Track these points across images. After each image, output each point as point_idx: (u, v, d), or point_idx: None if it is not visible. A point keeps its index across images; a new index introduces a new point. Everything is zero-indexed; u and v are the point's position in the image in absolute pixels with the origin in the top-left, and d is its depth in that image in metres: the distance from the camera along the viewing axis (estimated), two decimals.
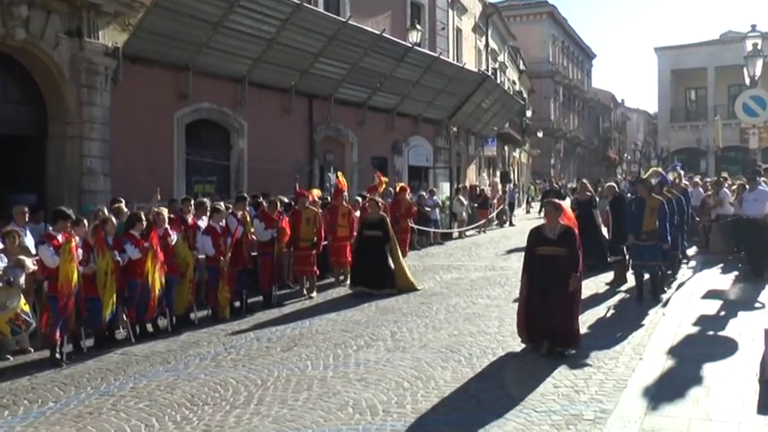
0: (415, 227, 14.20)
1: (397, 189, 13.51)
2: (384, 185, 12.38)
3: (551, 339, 5.86)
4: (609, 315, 7.75)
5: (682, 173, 12.26)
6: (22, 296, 6.02)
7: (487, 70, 24.21)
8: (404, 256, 11.68)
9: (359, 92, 15.51)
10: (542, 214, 7.02)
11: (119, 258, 6.70)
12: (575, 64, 49.69)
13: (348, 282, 9.81)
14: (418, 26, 18.00)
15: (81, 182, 9.45)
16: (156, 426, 4.54)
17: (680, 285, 9.25)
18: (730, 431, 4.16)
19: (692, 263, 11.33)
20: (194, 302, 7.73)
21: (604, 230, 10.43)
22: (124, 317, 7.03)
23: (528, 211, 27.48)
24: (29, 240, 6.66)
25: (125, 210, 7.69)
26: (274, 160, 12.70)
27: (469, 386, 5.20)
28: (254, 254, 8.63)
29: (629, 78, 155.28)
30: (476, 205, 19.06)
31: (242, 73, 12.24)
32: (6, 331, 5.94)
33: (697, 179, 15.41)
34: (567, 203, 11.67)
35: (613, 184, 11.95)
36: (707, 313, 7.40)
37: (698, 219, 12.42)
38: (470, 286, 9.87)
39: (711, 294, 8.49)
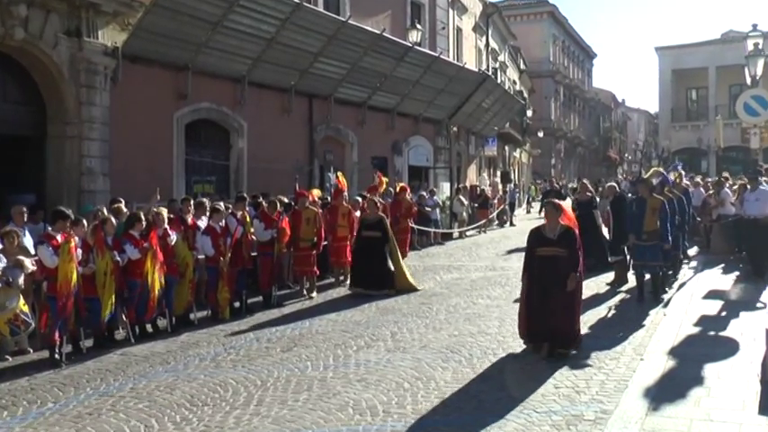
0: (416, 227, 14.18)
1: (398, 189, 13.49)
2: (384, 185, 12.36)
3: (552, 340, 5.84)
4: (610, 315, 7.73)
5: (683, 173, 12.24)
6: (21, 296, 6.00)
7: (488, 70, 24.20)
8: (404, 256, 11.68)
9: (359, 92, 15.50)
10: (542, 214, 7.00)
11: (118, 258, 6.69)
12: (575, 64, 49.67)
13: (348, 282, 9.79)
14: (418, 26, 17.99)
15: (80, 182, 9.44)
16: (155, 426, 4.53)
17: (681, 285, 9.23)
18: None
19: (694, 263, 11.30)
20: (194, 303, 7.72)
21: (605, 231, 10.41)
22: (123, 317, 7.02)
23: (528, 211, 27.46)
24: (28, 241, 6.65)
25: (124, 210, 7.67)
26: (274, 160, 12.69)
27: (470, 387, 5.19)
28: (253, 254, 8.61)
29: (629, 78, 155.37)
30: (476, 205, 19.05)
31: (242, 73, 12.23)
32: (5, 332, 5.93)
33: (698, 179, 15.40)
34: (567, 203, 11.66)
35: (614, 184, 11.93)
36: (708, 313, 7.38)
37: (699, 219, 12.40)
38: (471, 286, 9.85)
39: (712, 295, 8.47)
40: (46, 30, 8.96)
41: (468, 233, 18.04)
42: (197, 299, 7.83)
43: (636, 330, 6.78)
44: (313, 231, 9.28)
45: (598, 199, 11.44)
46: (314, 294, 9.23)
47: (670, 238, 8.28)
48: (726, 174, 15.03)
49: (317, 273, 9.56)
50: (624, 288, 9.15)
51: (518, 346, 6.22)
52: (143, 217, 7.07)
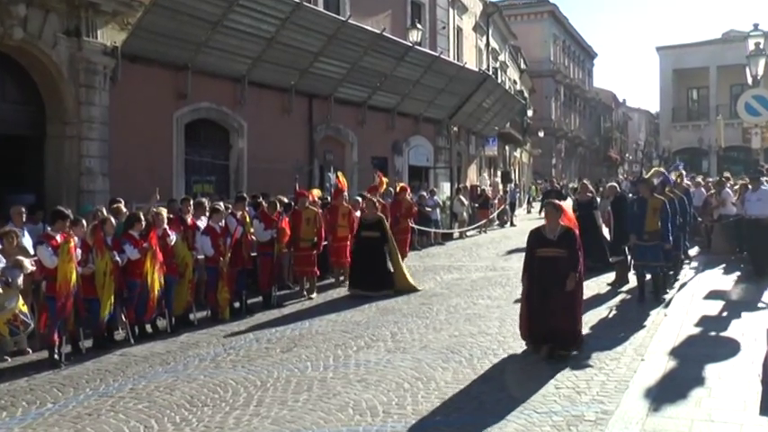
0: (416, 227, 14.16)
1: (398, 189, 13.46)
2: (385, 185, 12.34)
3: (552, 340, 5.81)
4: (610, 316, 7.72)
5: (683, 173, 12.21)
6: (20, 297, 5.99)
7: (488, 70, 24.18)
8: (404, 256, 11.65)
9: (359, 91, 15.48)
10: (543, 215, 6.98)
11: (118, 259, 6.67)
12: (576, 63, 49.64)
13: (347, 283, 9.77)
14: (419, 25, 17.97)
15: (80, 182, 9.42)
16: (155, 427, 4.52)
17: (682, 286, 9.21)
18: None
19: (695, 263, 11.28)
20: (193, 303, 7.70)
21: (605, 231, 10.39)
22: (123, 317, 7.01)
23: (529, 212, 27.43)
24: (27, 241, 6.63)
25: (124, 210, 7.66)
26: (274, 160, 12.67)
27: (470, 387, 5.17)
28: (253, 254, 8.59)
29: (630, 78, 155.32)
30: (476, 205, 19.03)
31: (241, 72, 12.22)
32: (4, 332, 5.91)
33: (699, 179, 15.37)
34: (568, 204, 11.63)
35: (615, 184, 11.90)
36: (709, 314, 7.36)
37: (700, 219, 12.37)
38: (471, 287, 9.83)
39: (714, 295, 8.45)
40: (45, 29, 8.95)
41: (468, 233, 18.02)
42: (197, 299, 7.82)
43: (637, 331, 6.77)
44: (313, 231, 9.26)
45: (598, 199, 11.41)
46: (314, 295, 9.21)
47: (671, 238, 8.26)
48: (727, 174, 15.00)
49: (318, 273, 9.54)
50: (625, 288, 9.14)
51: (519, 346, 6.20)
52: (142, 217, 7.06)
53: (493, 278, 10.56)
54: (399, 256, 9.90)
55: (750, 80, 13.31)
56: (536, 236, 6.04)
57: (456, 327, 7.19)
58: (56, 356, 6.04)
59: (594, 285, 9.18)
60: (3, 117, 8.98)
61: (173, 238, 7.33)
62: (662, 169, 11.29)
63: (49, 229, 6.53)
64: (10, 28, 8.44)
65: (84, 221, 6.64)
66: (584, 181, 12.94)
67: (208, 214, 8.09)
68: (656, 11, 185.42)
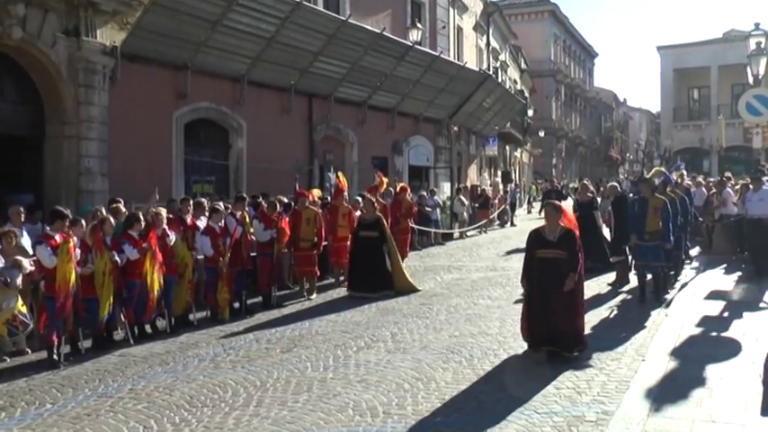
0: (416, 227, 14.14)
1: (398, 189, 13.44)
2: (385, 185, 12.31)
3: (553, 342, 5.77)
4: (611, 316, 7.70)
5: (684, 173, 12.19)
6: (19, 297, 5.98)
7: (488, 69, 24.17)
8: (404, 256, 11.63)
9: (359, 91, 15.46)
10: (542, 215, 6.95)
11: (117, 259, 6.65)
12: (576, 63, 49.62)
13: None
14: (419, 25, 17.95)
15: (79, 182, 9.41)
16: (154, 428, 4.51)
17: (683, 286, 9.19)
18: None
19: (695, 263, 11.26)
20: (193, 303, 7.69)
21: (606, 231, 10.37)
22: (122, 318, 7.00)
23: (529, 212, 27.41)
24: (26, 241, 6.63)
25: (123, 210, 7.65)
26: (274, 160, 12.66)
27: (470, 388, 5.16)
28: (253, 254, 8.57)
29: (631, 77, 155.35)
30: (477, 205, 19.01)
31: (241, 72, 12.20)
32: (3, 332, 5.91)
33: (700, 179, 15.35)
34: (568, 204, 11.58)
35: (615, 183, 11.87)
36: (710, 314, 7.34)
37: (701, 219, 12.35)
38: (471, 287, 9.81)
39: (714, 295, 8.43)
40: (44, 29, 8.93)
41: (468, 233, 18.00)
42: (196, 299, 7.80)
43: (637, 331, 6.75)
44: (313, 231, 9.24)
45: (599, 199, 11.38)
46: (313, 296, 9.19)
47: (672, 238, 8.24)
48: (728, 173, 14.98)
49: (318, 273, 9.52)
50: (625, 288, 9.12)
51: (519, 346, 6.18)
52: (142, 217, 7.05)
53: (493, 278, 10.54)
54: (399, 256, 9.87)
55: (751, 80, 13.28)
56: (536, 237, 6.00)
57: (456, 327, 7.17)
58: (55, 357, 6.02)
59: (595, 285, 9.16)
60: (2, 117, 8.96)
61: (172, 238, 7.31)
62: (663, 169, 11.26)
63: (48, 228, 6.52)
64: (9, 27, 8.43)
65: (83, 221, 6.63)
66: (585, 181, 12.92)
67: (207, 214, 8.07)
68: (657, 10, 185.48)
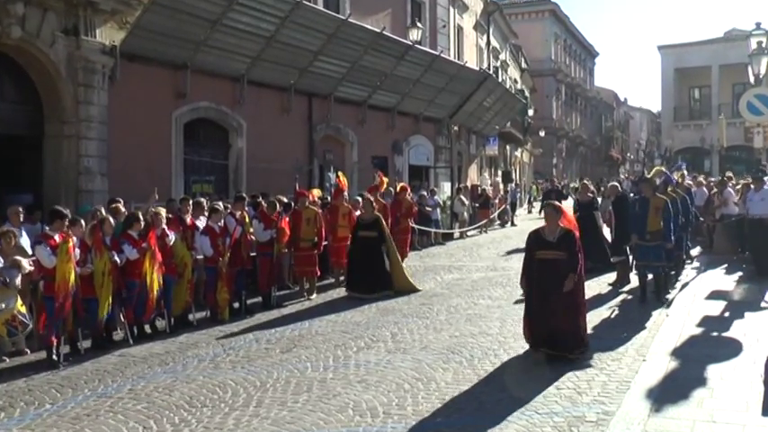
0: (416, 227, 14.12)
1: (398, 189, 13.42)
2: (385, 185, 12.30)
3: (553, 343, 5.73)
4: (612, 316, 7.68)
5: (685, 173, 12.18)
6: (18, 297, 5.97)
7: (489, 69, 24.14)
8: (405, 256, 11.61)
9: (359, 90, 15.45)
10: (542, 215, 6.93)
11: (116, 259, 6.64)
12: (577, 62, 49.58)
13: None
14: (419, 24, 17.93)
15: (78, 181, 9.39)
16: (153, 428, 4.50)
17: (684, 286, 9.18)
18: None
19: (696, 263, 11.26)
20: (192, 303, 7.67)
21: (606, 231, 10.35)
22: (122, 318, 6.99)
23: (529, 211, 27.39)
24: (25, 241, 6.62)
25: (123, 210, 7.64)
26: (273, 160, 12.64)
27: (471, 388, 5.15)
28: (252, 254, 8.56)
29: (631, 77, 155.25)
30: (477, 205, 18.99)
31: (241, 71, 12.18)
32: (3, 333, 5.90)
33: (701, 178, 15.33)
34: (568, 204, 11.54)
35: (616, 183, 11.86)
36: (711, 314, 7.33)
37: (702, 219, 12.33)
38: (472, 287, 9.80)
39: (715, 295, 8.42)
40: (43, 28, 8.91)
41: (468, 233, 17.99)
42: (196, 299, 7.79)
43: (638, 331, 6.73)
44: (313, 231, 9.22)
45: (599, 199, 11.36)
46: (313, 296, 9.17)
47: (673, 238, 8.22)
48: (729, 173, 14.96)
49: (319, 273, 9.50)
50: (626, 288, 9.11)
51: (519, 347, 6.17)
52: (141, 217, 7.03)
53: (494, 278, 10.52)
54: (398, 255, 9.84)
55: (752, 79, 13.25)
56: (535, 238, 5.97)
57: (456, 327, 7.16)
58: (54, 357, 6.01)
59: (596, 285, 9.14)
60: (1, 116, 8.94)
61: (172, 237, 7.30)
62: (663, 169, 11.25)
63: (47, 228, 6.51)
64: (8, 27, 8.41)
65: (82, 221, 6.62)
66: (585, 181, 12.90)
67: (207, 214, 8.05)
68: (658, 10, 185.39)
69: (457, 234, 17.45)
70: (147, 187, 8.21)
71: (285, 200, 9.77)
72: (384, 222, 9.68)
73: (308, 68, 13.39)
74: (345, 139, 15.71)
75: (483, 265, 12.08)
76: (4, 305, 5.80)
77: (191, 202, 8.34)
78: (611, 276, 9.55)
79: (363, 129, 16.01)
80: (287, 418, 4.59)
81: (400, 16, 18.11)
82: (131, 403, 4.96)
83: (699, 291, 8.72)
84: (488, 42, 26.88)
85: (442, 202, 16.76)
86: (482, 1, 25.92)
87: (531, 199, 30.69)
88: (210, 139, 12.27)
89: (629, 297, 8.65)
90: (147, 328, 7.09)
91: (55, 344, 6.03)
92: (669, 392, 4.76)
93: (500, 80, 24.67)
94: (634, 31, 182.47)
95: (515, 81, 33.00)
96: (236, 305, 8.10)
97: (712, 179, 16.71)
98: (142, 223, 6.94)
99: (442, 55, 17.56)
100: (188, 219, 7.95)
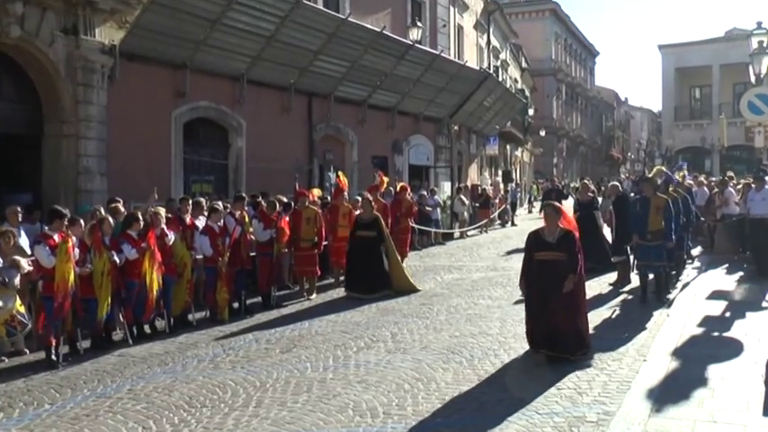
0: (416, 227, 14.10)
1: (398, 188, 13.40)
2: (385, 185, 12.28)
3: (554, 343, 5.69)
4: (613, 316, 7.67)
5: (686, 173, 12.16)
6: (17, 297, 5.96)
7: (489, 68, 24.13)
8: (405, 256, 11.59)
9: (359, 90, 15.43)
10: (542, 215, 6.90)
11: (116, 258, 6.63)
12: (577, 62, 49.56)
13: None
14: (419, 23, 17.92)
15: (77, 181, 9.38)
16: (153, 428, 4.50)
17: (684, 286, 9.17)
18: None
19: (697, 263, 11.25)
20: (192, 303, 7.66)
21: (607, 231, 10.33)
22: (121, 318, 6.97)
23: (530, 211, 27.38)
24: (23, 240, 6.60)
25: (122, 209, 7.62)
26: (273, 159, 12.63)
27: (471, 388, 5.13)
28: (252, 254, 8.54)
29: (632, 76, 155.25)
30: (477, 205, 18.98)
31: (240, 71, 12.17)
32: (2, 333, 5.89)
33: (702, 178, 15.31)
34: (569, 204, 11.51)
35: (616, 183, 11.84)
36: (712, 314, 7.32)
37: (703, 218, 12.32)
38: (472, 287, 9.78)
39: (716, 295, 8.41)
40: (42, 27, 8.90)
41: (469, 233, 17.98)
42: (195, 299, 7.78)
43: (639, 331, 6.72)
44: (314, 231, 9.20)
45: (600, 199, 11.34)
46: (313, 296, 9.15)
47: (674, 237, 8.20)
48: (730, 173, 14.94)
49: (319, 273, 9.49)
50: (627, 288, 9.10)
51: (520, 347, 6.16)
52: (141, 217, 7.02)
53: (494, 278, 10.51)
54: (397, 255, 9.82)
55: (753, 78, 13.22)
56: (535, 238, 5.93)
57: (457, 327, 7.14)
58: (53, 357, 5.99)
59: (596, 285, 9.13)
60: (0, 116, 8.93)
61: (171, 237, 7.29)
62: (664, 168, 11.23)
63: (46, 228, 6.49)
64: (7, 26, 8.40)
65: (81, 221, 6.61)
66: (585, 180, 12.87)
67: (206, 214, 8.04)
68: (659, 9, 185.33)
69: (457, 234, 17.43)
70: (147, 187, 8.19)
71: (285, 199, 9.75)
72: (383, 222, 9.64)
73: (308, 68, 13.37)
74: (345, 138, 15.69)
75: (483, 265, 12.06)
76: (2, 304, 5.78)
77: (190, 201, 8.33)
78: (612, 276, 9.53)
79: (363, 128, 16.00)
80: (287, 418, 4.58)
81: (400, 16, 18.10)
82: (131, 403, 4.95)
83: (700, 291, 8.70)
84: (489, 42, 26.86)
85: (442, 202, 16.74)
86: (482, 0, 25.90)
87: (532, 199, 30.68)
88: (210, 139, 12.26)
89: (630, 297, 8.63)
90: (147, 329, 7.08)
91: (54, 344, 6.02)
92: (670, 393, 4.75)
93: (500, 80, 24.66)
94: (635, 30, 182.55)
95: (516, 80, 32.99)
96: (236, 305, 8.09)
97: (713, 179, 16.69)
98: (141, 223, 6.93)
99: (443, 54, 17.54)
100: (187, 218, 7.94)
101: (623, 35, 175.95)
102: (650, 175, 9.94)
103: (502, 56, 29.72)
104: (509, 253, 13.66)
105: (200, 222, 7.99)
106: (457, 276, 10.87)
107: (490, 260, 12.84)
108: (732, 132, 24.63)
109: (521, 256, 6.16)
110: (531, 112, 32.91)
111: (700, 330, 6.64)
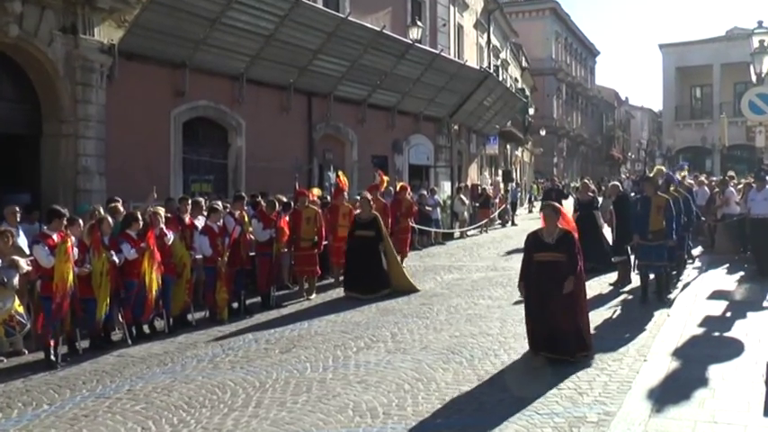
0: (416, 226, 14.09)
1: (398, 188, 13.39)
2: (385, 184, 12.27)
3: (554, 345, 5.66)
4: (613, 316, 7.66)
5: (686, 172, 12.15)
6: (16, 297, 5.95)
7: (489, 67, 24.10)
8: (405, 256, 11.58)
9: (359, 89, 15.41)
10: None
11: (115, 258, 6.61)
12: (578, 61, 49.54)
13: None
14: (419, 23, 17.89)
15: (76, 181, 9.36)
16: (152, 428, 4.49)
17: (685, 286, 9.16)
18: None
19: (698, 263, 11.24)
20: (191, 303, 7.65)
21: (607, 231, 10.31)
22: (120, 318, 6.96)
23: (530, 211, 27.37)
24: (22, 240, 6.59)
25: (121, 209, 7.61)
26: (273, 159, 12.61)
27: (471, 388, 5.12)
28: (252, 254, 8.53)
29: (633, 76, 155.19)
30: (477, 205, 18.97)
31: (240, 70, 12.15)
32: (0, 333, 5.88)
33: (703, 178, 15.30)
34: (569, 203, 11.49)
35: (617, 183, 11.82)
36: (712, 314, 7.31)
37: (703, 218, 12.30)
38: (472, 287, 9.77)
39: (717, 295, 8.39)
40: (41, 27, 8.88)
41: (469, 233, 17.97)
42: (195, 299, 7.77)
43: (639, 331, 6.71)
44: (314, 231, 9.19)
45: (600, 199, 11.32)
46: (313, 296, 9.14)
47: (675, 236, 8.18)
48: (731, 173, 14.92)
49: (319, 273, 9.47)
50: (627, 288, 9.08)
51: (520, 347, 6.14)
52: (140, 216, 7.01)
53: (494, 278, 10.49)
54: (396, 255, 9.80)
55: (754, 78, 13.19)
56: (534, 239, 5.90)
57: (457, 327, 7.13)
58: (52, 357, 5.98)
59: (597, 285, 9.12)
60: None
61: (170, 237, 7.27)
62: (664, 168, 11.22)
63: (45, 228, 6.48)
64: (5, 25, 8.38)
65: (80, 221, 6.60)
66: (585, 180, 12.84)
67: (205, 213, 8.02)
68: (659, 8, 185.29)
69: (457, 234, 17.42)
70: (146, 186, 8.19)
71: (284, 199, 9.74)
72: (381, 222, 9.62)
73: (308, 67, 13.36)
74: (345, 138, 15.68)
75: (483, 265, 12.05)
76: (1, 305, 5.77)
77: (189, 201, 8.31)
78: (612, 276, 9.52)
79: (363, 128, 15.98)
80: (286, 418, 4.57)
81: (400, 15, 18.07)
82: (130, 404, 4.94)
83: (700, 291, 8.69)
84: (489, 41, 26.84)
85: (442, 202, 16.73)
86: None
87: (532, 198, 30.68)
88: (209, 138, 12.24)
89: (630, 297, 8.62)
90: (146, 329, 7.07)
91: (53, 344, 6.01)
92: (670, 393, 4.74)
93: (500, 79, 24.63)
94: (635, 29, 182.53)
95: (516, 80, 32.97)
96: (236, 305, 8.08)
97: (714, 178, 16.67)
98: (141, 223, 6.91)
99: (443, 54, 17.52)
100: (187, 218, 7.92)
101: (624, 34, 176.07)
102: (651, 175, 9.92)
103: (502, 55, 29.71)
104: (509, 253, 13.64)
105: (200, 222, 7.97)
106: (457, 276, 10.86)
107: (490, 260, 12.82)
108: (733, 132, 24.59)
109: (521, 255, 6.13)
110: (531, 111, 32.90)
111: (700, 330, 6.63)
